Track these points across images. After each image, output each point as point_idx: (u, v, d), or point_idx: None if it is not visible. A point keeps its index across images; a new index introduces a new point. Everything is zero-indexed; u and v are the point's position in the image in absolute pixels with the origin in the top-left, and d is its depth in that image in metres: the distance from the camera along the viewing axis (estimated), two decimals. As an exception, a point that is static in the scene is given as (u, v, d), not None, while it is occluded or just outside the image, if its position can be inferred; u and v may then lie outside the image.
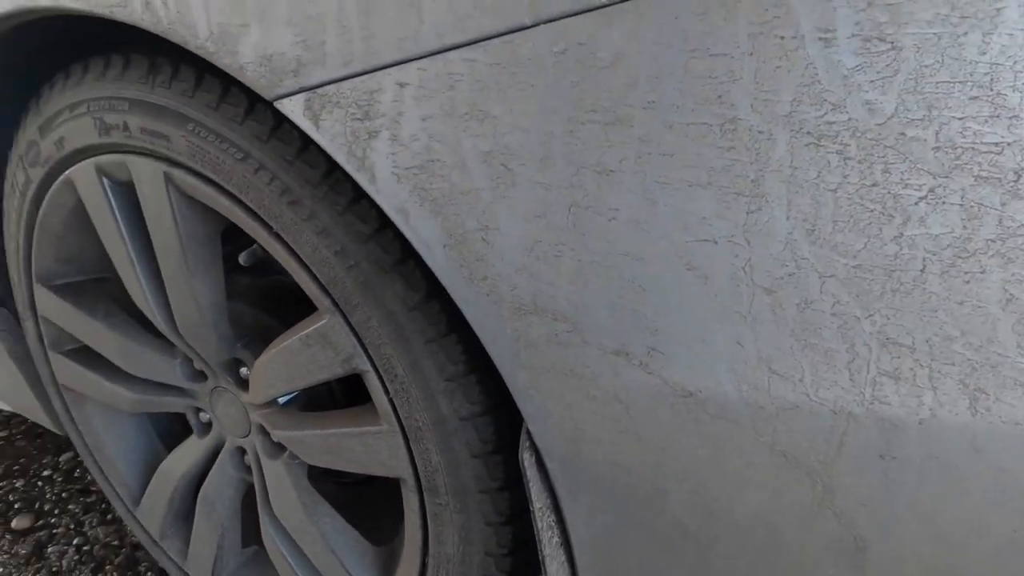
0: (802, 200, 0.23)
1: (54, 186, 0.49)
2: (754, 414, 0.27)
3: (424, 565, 0.44)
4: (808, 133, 0.22)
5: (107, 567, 0.77)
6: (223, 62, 0.31)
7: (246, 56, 0.30)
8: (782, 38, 0.22)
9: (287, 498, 0.52)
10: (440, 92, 0.27)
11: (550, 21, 0.24)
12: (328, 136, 0.29)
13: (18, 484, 0.92)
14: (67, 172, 0.47)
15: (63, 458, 0.98)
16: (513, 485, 0.38)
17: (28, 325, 0.61)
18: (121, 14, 0.33)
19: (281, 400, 0.50)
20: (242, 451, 0.56)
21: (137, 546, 0.79)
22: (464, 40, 0.26)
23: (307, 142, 0.35)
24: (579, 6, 0.24)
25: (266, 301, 0.53)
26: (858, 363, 0.24)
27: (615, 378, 0.29)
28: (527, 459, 0.33)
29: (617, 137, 0.25)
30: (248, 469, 0.56)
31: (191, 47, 0.31)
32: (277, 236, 0.37)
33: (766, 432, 0.27)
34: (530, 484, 0.33)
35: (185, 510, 0.64)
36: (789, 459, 0.27)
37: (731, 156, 0.23)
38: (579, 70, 0.24)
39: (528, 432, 0.33)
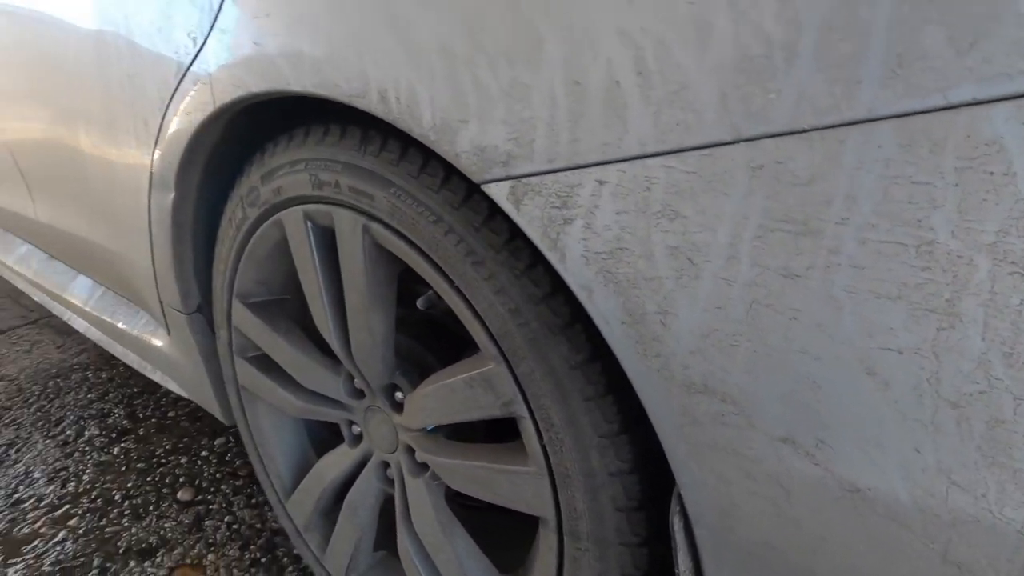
0: (1001, 324, 0.24)
1: (265, 224, 0.58)
2: (927, 520, 0.27)
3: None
4: (1013, 263, 0.23)
5: (251, 546, 0.87)
6: (441, 149, 0.36)
7: (462, 146, 0.35)
8: (991, 173, 0.23)
9: (426, 514, 0.57)
10: (636, 192, 0.30)
11: (751, 140, 0.27)
12: (527, 219, 0.34)
13: (182, 460, 1.07)
14: (279, 214, 0.56)
15: (217, 442, 1.12)
16: (653, 542, 0.40)
17: (222, 333, 0.72)
18: (359, 103, 0.40)
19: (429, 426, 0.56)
20: (386, 465, 0.63)
21: (276, 532, 0.90)
22: (664, 150, 0.29)
23: (494, 211, 0.40)
24: (780, 128, 0.26)
25: (422, 335, 0.60)
26: (1053, 488, 0.24)
27: (778, 463, 0.30)
28: (676, 523, 0.35)
29: (806, 246, 0.27)
30: (390, 482, 0.63)
31: (415, 134, 0.37)
32: (457, 290, 0.43)
33: (939, 540, 0.27)
34: (677, 548, 0.35)
35: (328, 508, 0.72)
36: (963, 571, 0.27)
37: (926, 275, 0.25)
38: (774, 185, 0.27)
39: (680, 498, 0.35)
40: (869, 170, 0.25)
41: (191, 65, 0.54)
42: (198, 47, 0.52)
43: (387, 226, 0.46)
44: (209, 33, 0.50)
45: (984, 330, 0.24)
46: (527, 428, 0.42)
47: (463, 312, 0.43)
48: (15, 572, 0.82)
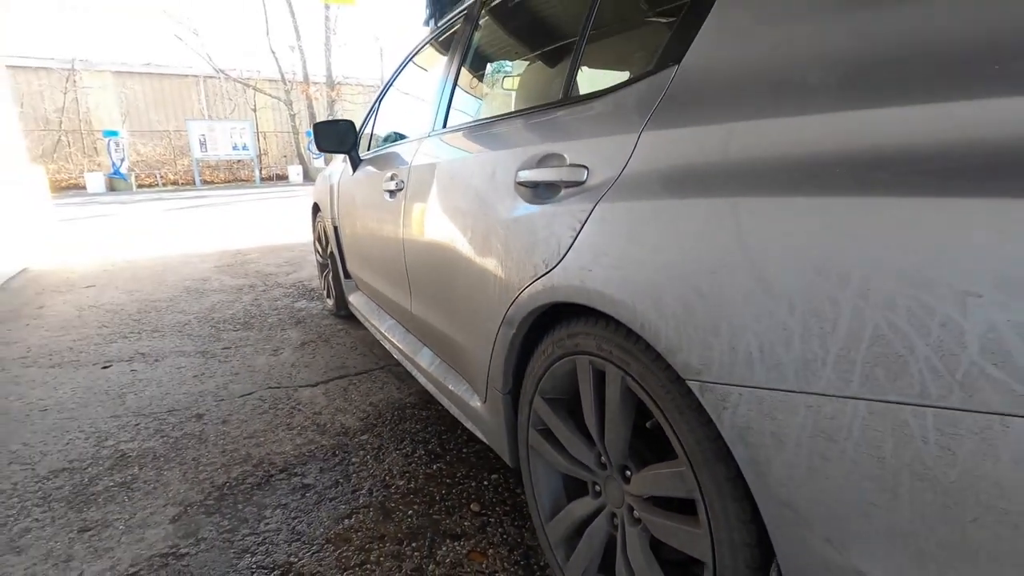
0: (947, 496, 0.52)
1: (564, 359, 1.04)
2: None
3: (707, 620, 0.78)
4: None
5: (515, 552, 1.32)
6: (668, 358, 0.76)
7: (677, 361, 0.74)
8: (985, 439, 0.53)
9: (636, 552, 0.93)
10: (757, 403, 0.65)
11: (815, 394, 0.60)
12: (706, 401, 0.71)
13: (472, 484, 1.60)
14: (573, 357, 1.02)
15: (493, 476, 1.64)
16: (767, 591, 0.70)
17: (524, 410, 1.20)
18: (629, 324, 0.82)
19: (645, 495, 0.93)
20: (613, 515, 1.01)
21: (530, 547, 1.33)
22: (776, 388, 0.63)
23: (689, 390, 0.77)
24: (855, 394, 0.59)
25: (643, 438, 0.98)
26: None
27: (824, 553, 0.60)
28: (774, 576, 0.66)
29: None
30: (615, 527, 1.01)
31: (656, 348, 0.78)
32: (669, 424, 0.80)
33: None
34: (773, 590, 0.66)
35: (570, 535, 1.12)
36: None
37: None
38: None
39: (777, 564, 0.66)
40: (919, 427, 0.56)
41: (541, 277, 1.04)
42: (548, 269, 1.02)
43: (635, 380, 0.87)
44: (555, 266, 1.00)
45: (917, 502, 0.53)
46: (701, 508, 0.77)
47: (672, 437, 0.80)
48: (399, 523, 1.41)
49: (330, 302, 3.34)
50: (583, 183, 0.98)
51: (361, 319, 2.63)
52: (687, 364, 0.73)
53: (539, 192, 1.10)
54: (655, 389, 0.82)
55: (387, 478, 1.63)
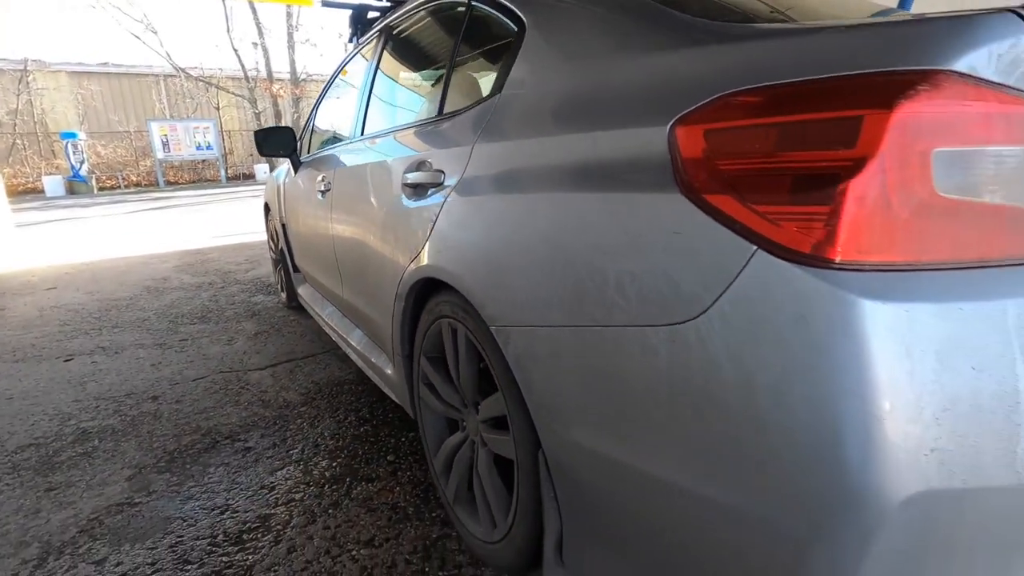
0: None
1: (435, 323, 1.32)
2: (598, 459, 0.84)
3: (517, 505, 1.07)
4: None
5: (418, 487, 1.60)
6: (481, 312, 1.04)
7: (484, 312, 1.02)
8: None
9: (484, 467, 1.22)
10: (529, 337, 0.93)
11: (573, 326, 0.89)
12: (500, 342, 0.99)
13: (392, 441, 1.88)
14: (439, 320, 1.29)
15: (410, 435, 1.91)
16: (538, 474, 0.99)
17: (415, 368, 1.48)
18: (462, 290, 1.10)
19: (489, 422, 1.21)
20: (473, 442, 1.30)
21: (431, 485, 1.61)
22: (552, 323, 0.92)
23: (492, 335, 1.06)
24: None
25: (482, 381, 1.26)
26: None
27: (560, 436, 0.89)
28: (541, 458, 0.95)
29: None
30: (474, 451, 1.29)
31: (474, 306, 1.06)
32: (490, 363, 1.09)
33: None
34: (541, 469, 0.94)
35: (449, 463, 1.41)
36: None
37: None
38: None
39: (543, 451, 0.95)
40: (595, 339, 0.85)
41: (415, 258, 1.31)
42: (418, 252, 1.30)
43: (472, 333, 1.15)
44: (422, 249, 1.27)
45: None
46: (509, 421, 1.06)
47: (493, 371, 1.09)
48: (323, 472, 1.67)
49: (283, 295, 3.57)
50: (441, 184, 1.25)
51: (308, 308, 2.87)
52: (490, 315, 1.02)
53: (417, 191, 1.37)
54: (480, 337, 1.11)
55: (319, 440, 1.89)
